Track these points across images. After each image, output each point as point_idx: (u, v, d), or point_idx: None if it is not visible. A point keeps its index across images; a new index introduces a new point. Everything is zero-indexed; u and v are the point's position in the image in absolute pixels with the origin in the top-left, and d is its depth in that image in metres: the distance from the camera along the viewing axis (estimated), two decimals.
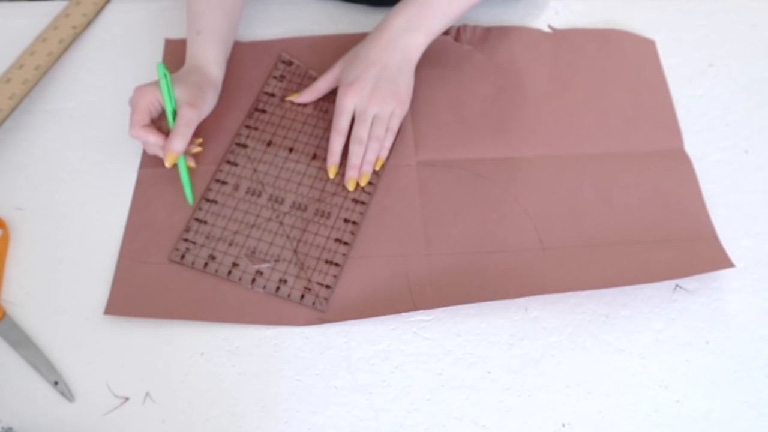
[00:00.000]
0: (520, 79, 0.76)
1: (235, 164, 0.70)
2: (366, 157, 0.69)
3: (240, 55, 0.77)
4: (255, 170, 0.70)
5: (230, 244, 0.66)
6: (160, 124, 0.68)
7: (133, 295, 0.63)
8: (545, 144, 0.72)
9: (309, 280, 0.64)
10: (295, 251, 0.65)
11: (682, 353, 0.61)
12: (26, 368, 0.60)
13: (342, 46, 0.74)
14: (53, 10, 0.82)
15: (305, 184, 0.69)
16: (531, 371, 0.60)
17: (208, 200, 0.68)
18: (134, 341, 0.61)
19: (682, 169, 0.70)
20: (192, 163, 0.70)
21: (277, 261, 0.65)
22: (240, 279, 0.64)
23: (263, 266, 0.64)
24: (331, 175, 0.69)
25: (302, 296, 0.63)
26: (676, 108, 0.75)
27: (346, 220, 0.67)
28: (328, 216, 0.67)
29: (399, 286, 0.63)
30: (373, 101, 0.68)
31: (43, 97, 0.76)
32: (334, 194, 0.68)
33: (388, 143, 0.70)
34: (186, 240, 0.66)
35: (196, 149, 0.70)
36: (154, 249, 0.65)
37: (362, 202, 0.68)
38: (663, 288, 0.64)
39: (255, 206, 0.68)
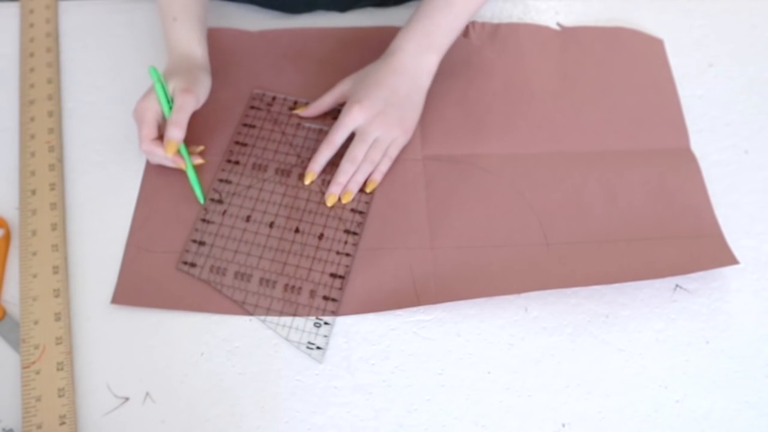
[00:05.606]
0: (528, 75, 0.77)
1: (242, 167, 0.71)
2: (355, 177, 0.67)
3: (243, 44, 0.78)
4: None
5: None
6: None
7: (140, 285, 0.63)
8: (552, 140, 0.72)
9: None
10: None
11: (682, 353, 0.61)
12: None
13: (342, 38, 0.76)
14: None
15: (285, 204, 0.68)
16: (531, 371, 0.60)
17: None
18: (134, 341, 0.61)
19: (688, 168, 0.70)
20: (200, 160, 0.69)
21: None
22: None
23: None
24: (307, 181, 0.68)
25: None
26: None
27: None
28: (301, 234, 0.66)
29: (403, 279, 0.63)
30: (377, 124, 0.67)
31: None
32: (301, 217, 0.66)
33: (384, 167, 0.69)
34: (194, 242, 0.66)
35: (200, 148, 0.70)
36: (160, 238, 0.66)
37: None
38: (663, 288, 0.64)
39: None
